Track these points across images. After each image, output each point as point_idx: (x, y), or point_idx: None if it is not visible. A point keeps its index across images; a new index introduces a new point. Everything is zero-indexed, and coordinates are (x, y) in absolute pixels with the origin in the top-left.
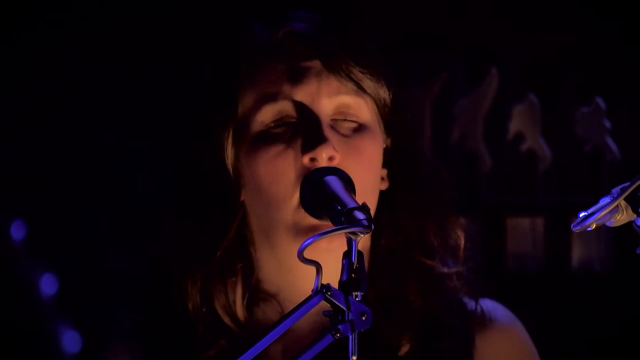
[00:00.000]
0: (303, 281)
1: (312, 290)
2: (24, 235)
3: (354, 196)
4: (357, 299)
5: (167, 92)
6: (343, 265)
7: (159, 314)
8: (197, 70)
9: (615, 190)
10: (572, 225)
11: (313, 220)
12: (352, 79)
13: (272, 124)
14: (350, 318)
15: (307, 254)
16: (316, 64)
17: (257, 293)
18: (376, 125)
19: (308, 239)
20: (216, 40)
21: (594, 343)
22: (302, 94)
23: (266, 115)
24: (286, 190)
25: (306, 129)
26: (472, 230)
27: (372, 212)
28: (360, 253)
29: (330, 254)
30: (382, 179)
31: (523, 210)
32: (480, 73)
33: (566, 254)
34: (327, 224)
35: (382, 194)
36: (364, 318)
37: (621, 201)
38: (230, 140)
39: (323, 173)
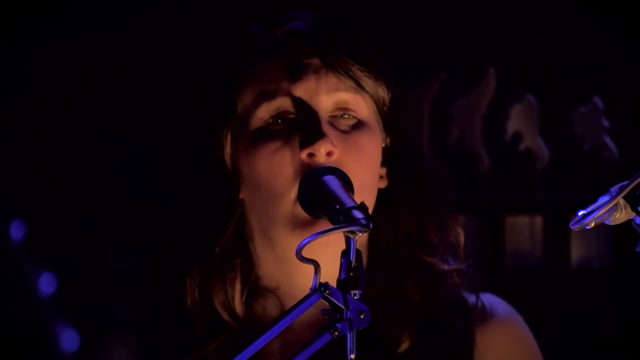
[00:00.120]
0: (302, 276)
1: (311, 289)
2: (23, 235)
3: (352, 196)
4: (355, 298)
5: (167, 92)
6: (341, 264)
7: (157, 309)
8: (197, 70)
9: (614, 188)
10: (571, 224)
11: None
12: (351, 77)
13: (271, 120)
14: (348, 316)
15: (305, 250)
16: (315, 61)
17: (256, 289)
18: (375, 123)
19: (306, 238)
20: (215, 40)
21: (593, 341)
22: (300, 90)
23: (265, 111)
24: (284, 185)
25: (304, 125)
26: (471, 229)
27: (371, 209)
28: (358, 252)
29: (328, 248)
30: (381, 177)
31: (522, 209)
32: (479, 73)
33: (565, 252)
34: (325, 223)
35: (381, 193)
36: (362, 316)
37: (620, 199)
38: (229, 138)
39: (321, 173)
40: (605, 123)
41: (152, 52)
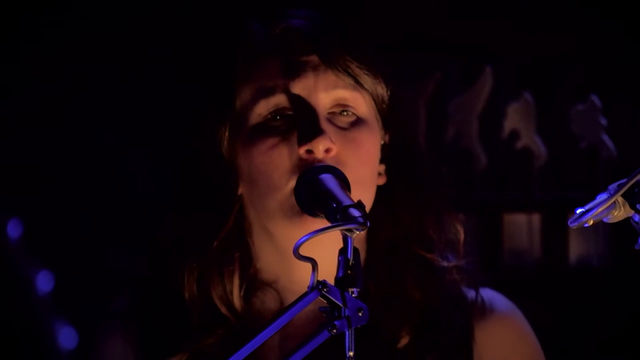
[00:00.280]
0: (301, 270)
1: (308, 287)
2: (20, 234)
3: (349, 194)
4: (353, 295)
5: (167, 92)
6: (339, 262)
7: (156, 302)
8: (197, 69)
9: (613, 186)
10: (569, 222)
11: None
12: (349, 74)
13: (269, 117)
14: (346, 314)
15: (303, 248)
16: (314, 58)
17: (254, 283)
18: (373, 120)
19: (303, 237)
20: (214, 37)
21: (591, 339)
22: (299, 87)
23: (263, 108)
24: (281, 178)
25: (303, 122)
26: (469, 228)
27: (369, 206)
28: (356, 250)
29: (326, 246)
30: (380, 174)
31: (519, 207)
32: (474, 71)
33: (563, 250)
34: (322, 220)
35: (380, 189)
36: (360, 314)
37: (618, 197)
38: (227, 134)
39: (318, 171)
40: (603, 121)
41: (152, 52)
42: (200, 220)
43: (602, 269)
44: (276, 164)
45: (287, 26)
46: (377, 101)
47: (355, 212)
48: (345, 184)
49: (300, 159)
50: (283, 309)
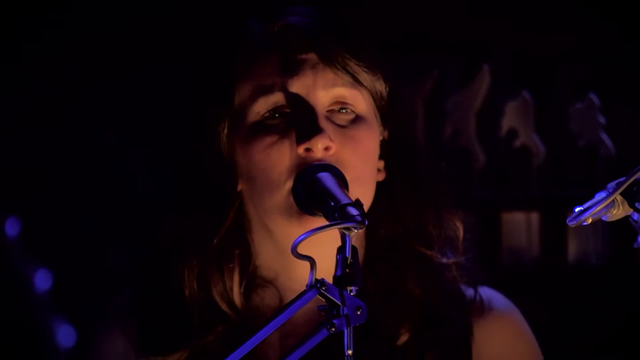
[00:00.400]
0: (300, 267)
1: (307, 285)
2: (18, 232)
3: (347, 192)
4: (351, 294)
5: (166, 91)
6: (337, 260)
7: (156, 299)
8: (196, 67)
9: (611, 185)
10: (568, 220)
11: None
12: (348, 72)
13: (268, 115)
14: (345, 313)
15: (301, 246)
16: (312, 56)
17: (254, 279)
18: (372, 117)
19: (301, 235)
20: (213, 33)
21: (590, 337)
22: (297, 85)
23: (261, 106)
24: (280, 177)
25: (302, 120)
26: (467, 226)
27: (369, 203)
28: (354, 248)
29: (324, 244)
30: (379, 170)
31: (518, 205)
32: (472, 69)
33: (562, 248)
34: (320, 219)
35: (379, 186)
36: (359, 312)
37: (617, 196)
38: (226, 131)
39: (315, 170)
40: (602, 119)
41: (152, 52)
42: (200, 218)
43: (600, 267)
44: (275, 162)
45: (286, 24)
46: (375, 98)
47: (353, 211)
48: (343, 182)
49: (299, 158)
50: (282, 307)
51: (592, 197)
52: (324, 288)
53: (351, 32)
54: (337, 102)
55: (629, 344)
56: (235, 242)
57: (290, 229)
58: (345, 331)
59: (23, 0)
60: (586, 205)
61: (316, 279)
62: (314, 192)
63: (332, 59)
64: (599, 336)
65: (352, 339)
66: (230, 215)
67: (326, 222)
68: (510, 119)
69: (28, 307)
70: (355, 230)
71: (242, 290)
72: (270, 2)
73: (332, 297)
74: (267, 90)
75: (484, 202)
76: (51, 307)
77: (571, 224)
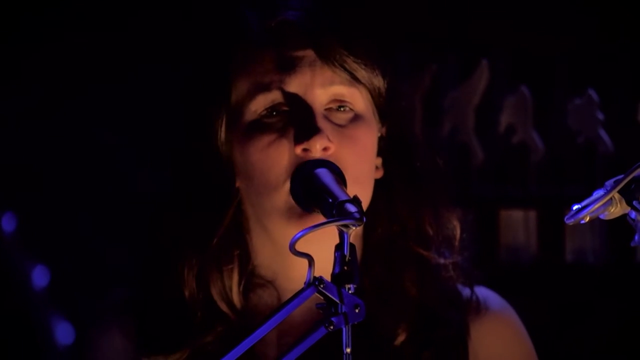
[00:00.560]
0: (299, 267)
1: (305, 283)
2: (15, 228)
3: (344, 188)
4: (349, 292)
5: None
6: (335, 258)
7: (155, 298)
8: (193, 62)
9: (609, 182)
10: (565, 218)
11: None
12: (345, 69)
13: (265, 113)
14: (343, 310)
15: (299, 244)
16: (309, 53)
17: (253, 279)
18: (371, 115)
19: (299, 232)
20: (210, 29)
21: (587, 335)
22: (295, 83)
23: (259, 104)
24: (278, 178)
25: (300, 119)
26: (465, 223)
27: (368, 201)
28: (352, 246)
29: (322, 241)
30: (377, 167)
31: (516, 202)
32: (471, 65)
33: (559, 246)
34: (318, 216)
35: (377, 183)
36: (357, 310)
37: (615, 194)
38: (223, 128)
39: (313, 166)
40: (600, 116)
41: (152, 52)
42: (198, 216)
43: (597, 265)
44: (273, 163)
45: (283, 19)
46: (373, 94)
47: (351, 208)
48: (341, 179)
49: (297, 158)
50: (280, 305)
51: (590, 194)
52: (322, 286)
53: (349, 27)
54: (335, 100)
55: (626, 342)
56: (234, 242)
57: (289, 231)
58: (344, 329)
59: (23, 0)
60: (584, 203)
61: (314, 277)
62: (312, 189)
63: (330, 56)
64: (596, 334)
65: (350, 337)
66: (229, 214)
67: (324, 219)
68: (508, 114)
69: (26, 304)
70: (354, 228)
71: (241, 289)
72: None
73: (330, 295)
74: (264, 88)
75: (482, 199)
76: (49, 304)
77: (569, 221)
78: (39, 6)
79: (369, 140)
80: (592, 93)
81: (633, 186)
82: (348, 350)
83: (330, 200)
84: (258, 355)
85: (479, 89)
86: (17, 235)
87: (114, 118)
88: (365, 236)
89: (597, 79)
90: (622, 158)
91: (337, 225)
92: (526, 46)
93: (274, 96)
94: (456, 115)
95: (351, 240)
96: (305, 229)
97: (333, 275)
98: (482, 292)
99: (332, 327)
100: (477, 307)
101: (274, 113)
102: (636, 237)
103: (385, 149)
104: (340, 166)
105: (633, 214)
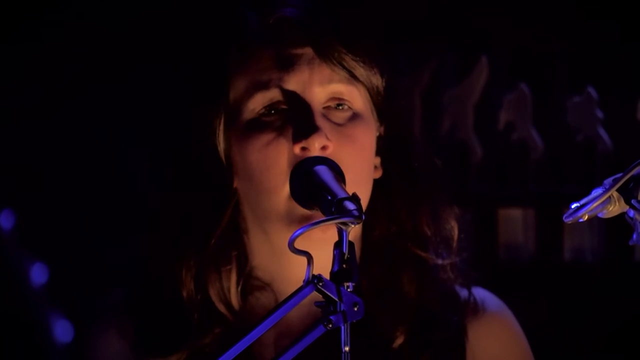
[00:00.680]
0: (296, 268)
1: (304, 281)
2: (13, 225)
3: (344, 186)
4: (348, 290)
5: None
6: (334, 255)
7: (153, 300)
8: (191, 59)
9: (608, 181)
10: (564, 217)
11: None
12: (344, 67)
13: (264, 111)
14: (342, 309)
15: (299, 244)
16: (308, 51)
17: (251, 281)
18: (369, 114)
19: (298, 230)
20: (207, 27)
21: (585, 333)
22: (293, 82)
23: (257, 102)
24: (277, 178)
25: (298, 118)
26: (464, 221)
27: (366, 200)
28: (351, 243)
29: (321, 239)
30: (376, 167)
31: (514, 201)
32: (470, 62)
33: (558, 245)
34: (318, 214)
35: (376, 183)
36: (356, 309)
37: (613, 192)
38: (221, 127)
39: (312, 163)
40: (599, 114)
41: (152, 51)
42: (196, 216)
43: (596, 264)
44: (272, 162)
45: (281, 16)
46: (372, 93)
47: (350, 205)
48: (339, 176)
49: (296, 157)
50: (279, 303)
51: (588, 193)
52: (320, 284)
53: (347, 25)
54: (334, 99)
55: (624, 340)
56: (232, 243)
57: (287, 234)
58: (342, 327)
59: (23, 0)
60: (583, 201)
61: (313, 275)
62: (311, 186)
63: (328, 54)
64: (595, 332)
65: (349, 335)
66: (227, 214)
67: (323, 217)
68: (508, 112)
69: (24, 302)
70: (353, 225)
71: (239, 290)
72: None
73: (329, 293)
74: (262, 86)
75: (481, 197)
76: (47, 302)
77: (567, 220)
78: (39, 6)
79: (367, 139)
80: (592, 91)
81: (631, 185)
82: (347, 348)
83: (330, 198)
84: (255, 356)
85: (478, 86)
86: (16, 233)
87: (114, 118)
88: (364, 237)
89: (596, 77)
90: (621, 156)
91: (336, 223)
92: (526, 43)
93: (273, 94)
94: (455, 113)
95: (350, 240)
96: (304, 226)
97: (332, 273)
98: (479, 293)
99: (330, 326)
100: (474, 309)
101: (273, 112)
102: (634, 236)
103: (383, 148)
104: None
105: (631, 213)
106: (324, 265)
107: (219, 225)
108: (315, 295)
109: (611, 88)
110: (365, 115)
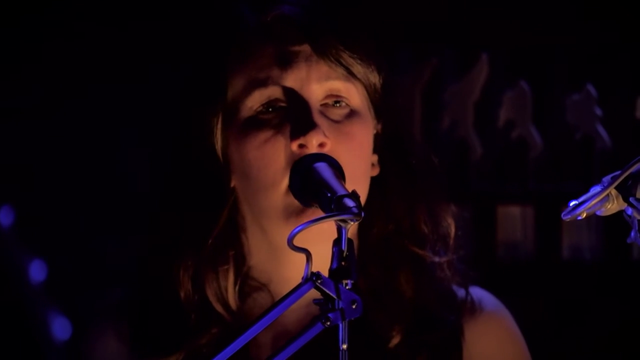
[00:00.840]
0: (294, 268)
1: (302, 278)
2: (12, 221)
3: (343, 183)
4: (347, 287)
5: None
6: (333, 253)
7: (150, 300)
8: (188, 58)
9: (606, 179)
10: (562, 214)
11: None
12: (341, 64)
13: (262, 109)
14: (340, 306)
15: (298, 242)
16: (306, 48)
17: (248, 281)
18: (366, 111)
19: (297, 227)
20: (205, 24)
21: (583, 331)
22: (291, 79)
23: (255, 100)
24: (275, 175)
25: (296, 115)
26: (463, 219)
27: (364, 198)
28: (350, 241)
29: (320, 236)
30: (373, 165)
31: (514, 198)
32: (471, 59)
33: (556, 242)
34: (316, 210)
35: (373, 180)
36: (354, 306)
37: (612, 190)
38: (219, 125)
39: (312, 160)
40: (598, 112)
41: (152, 51)
42: (194, 216)
43: (594, 262)
44: (269, 159)
45: (279, 14)
46: (369, 90)
47: (349, 202)
48: (339, 173)
49: (294, 154)
50: (278, 301)
51: (587, 191)
52: (319, 281)
53: (345, 22)
54: (331, 96)
55: (622, 338)
56: (229, 242)
57: (286, 230)
58: (340, 325)
59: (23, 0)
60: (581, 199)
61: (312, 272)
62: (311, 183)
63: (326, 51)
64: (593, 330)
65: (347, 333)
66: (225, 214)
67: (322, 214)
68: (507, 110)
69: (22, 299)
70: (352, 223)
71: (236, 290)
72: None
73: (327, 291)
74: (260, 84)
75: (480, 195)
76: (46, 299)
77: (566, 218)
78: (39, 6)
79: (364, 137)
80: (591, 89)
81: (630, 182)
82: (344, 346)
83: (329, 195)
84: (252, 357)
85: (478, 83)
86: (15, 230)
87: (114, 118)
88: (361, 235)
89: (595, 75)
90: (620, 154)
91: (335, 220)
92: (525, 41)
93: (270, 92)
94: (455, 110)
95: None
96: (304, 223)
97: (330, 270)
98: (476, 292)
99: (328, 323)
100: (471, 308)
101: (270, 109)
102: (632, 234)
103: (381, 146)
104: None
105: (629, 211)
106: (319, 262)
107: (216, 224)
108: (312, 296)
109: (610, 86)
110: (363, 112)
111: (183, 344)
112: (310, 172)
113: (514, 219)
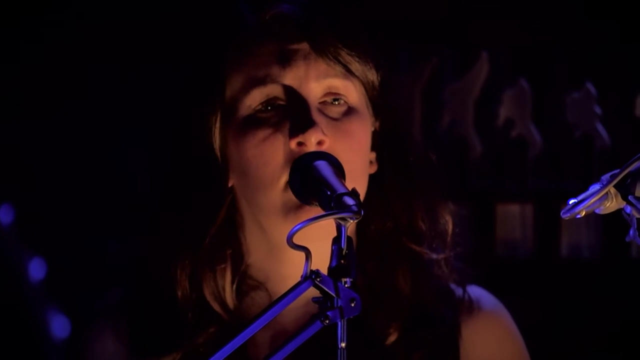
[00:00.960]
0: (292, 266)
1: (302, 276)
2: (12, 220)
3: (343, 181)
4: (346, 285)
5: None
6: (332, 251)
7: (148, 299)
8: (187, 56)
9: (605, 177)
10: (561, 213)
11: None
12: (340, 62)
13: (261, 107)
14: (339, 304)
15: (297, 240)
16: (304, 46)
17: (246, 280)
18: (365, 109)
19: (297, 225)
20: (204, 23)
21: (581, 329)
22: (290, 77)
23: (254, 98)
24: (274, 173)
25: (294, 113)
26: (462, 217)
27: (363, 196)
28: (349, 239)
29: (319, 235)
30: (371, 162)
31: (513, 196)
32: (471, 58)
33: (555, 241)
34: (315, 208)
35: (371, 178)
36: (353, 304)
37: (611, 188)
38: (218, 124)
39: (312, 158)
40: (598, 110)
41: (152, 51)
42: (191, 215)
43: (592, 260)
44: (268, 157)
45: (278, 12)
46: (367, 87)
47: (349, 201)
48: (339, 171)
49: (292, 152)
50: (275, 300)
51: (586, 189)
52: (318, 279)
53: (343, 20)
54: (330, 93)
55: (621, 337)
56: (227, 241)
57: (284, 228)
58: (339, 323)
59: (23, 0)
60: (580, 197)
61: (311, 270)
62: (310, 181)
63: (324, 49)
64: (591, 328)
65: (345, 332)
66: (222, 213)
67: (322, 212)
68: (507, 108)
69: (22, 297)
70: (351, 221)
71: (234, 289)
72: None
73: (326, 289)
74: (259, 82)
75: (479, 193)
76: (45, 297)
77: (565, 216)
78: (39, 6)
79: (363, 134)
80: (590, 87)
81: (629, 181)
82: (343, 344)
83: (329, 193)
84: (250, 356)
85: (478, 82)
86: (14, 228)
87: (114, 118)
88: (359, 232)
89: (595, 73)
90: (619, 152)
91: (334, 218)
92: (525, 40)
93: (269, 90)
94: (455, 108)
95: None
96: (303, 221)
97: (330, 268)
98: (474, 291)
99: (327, 321)
100: (469, 307)
101: (269, 108)
102: (631, 232)
103: (379, 143)
104: None
105: (628, 209)
106: (318, 260)
107: (213, 223)
108: (310, 294)
109: (610, 84)
110: (361, 109)
111: (181, 343)
112: (310, 170)
113: (513, 217)
